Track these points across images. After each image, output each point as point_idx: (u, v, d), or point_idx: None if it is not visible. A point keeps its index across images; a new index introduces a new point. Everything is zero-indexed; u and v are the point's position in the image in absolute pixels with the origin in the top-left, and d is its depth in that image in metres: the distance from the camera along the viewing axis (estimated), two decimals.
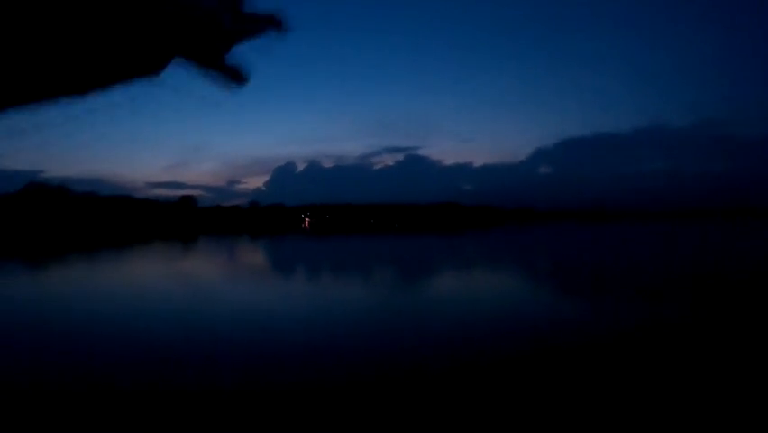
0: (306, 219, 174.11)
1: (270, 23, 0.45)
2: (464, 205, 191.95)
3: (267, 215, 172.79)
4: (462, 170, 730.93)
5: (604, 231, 62.51)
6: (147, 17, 0.42)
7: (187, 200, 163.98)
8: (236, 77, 0.52)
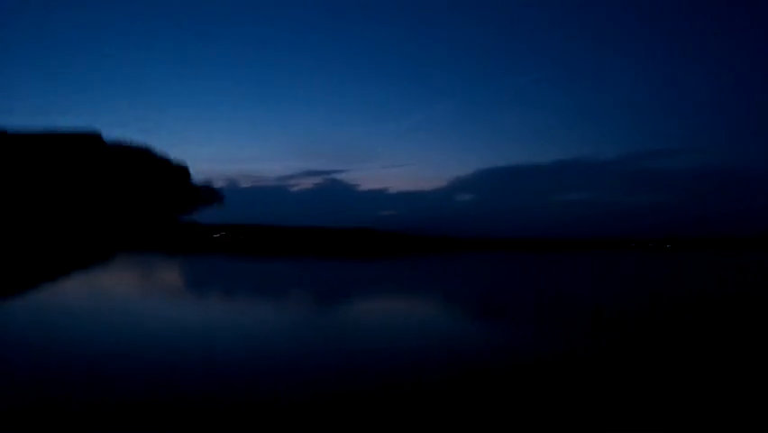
0: (221, 238, 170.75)
1: (212, 198, 0.85)
2: (380, 231, 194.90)
3: (180, 231, 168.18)
4: (379, 195, 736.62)
5: (523, 260, 63.02)
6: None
7: None
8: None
